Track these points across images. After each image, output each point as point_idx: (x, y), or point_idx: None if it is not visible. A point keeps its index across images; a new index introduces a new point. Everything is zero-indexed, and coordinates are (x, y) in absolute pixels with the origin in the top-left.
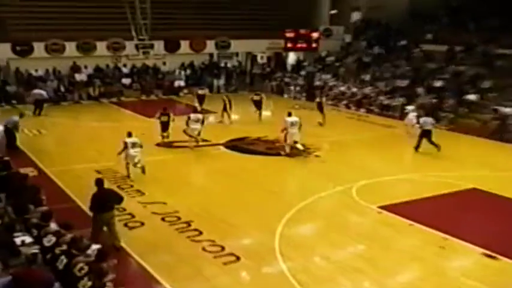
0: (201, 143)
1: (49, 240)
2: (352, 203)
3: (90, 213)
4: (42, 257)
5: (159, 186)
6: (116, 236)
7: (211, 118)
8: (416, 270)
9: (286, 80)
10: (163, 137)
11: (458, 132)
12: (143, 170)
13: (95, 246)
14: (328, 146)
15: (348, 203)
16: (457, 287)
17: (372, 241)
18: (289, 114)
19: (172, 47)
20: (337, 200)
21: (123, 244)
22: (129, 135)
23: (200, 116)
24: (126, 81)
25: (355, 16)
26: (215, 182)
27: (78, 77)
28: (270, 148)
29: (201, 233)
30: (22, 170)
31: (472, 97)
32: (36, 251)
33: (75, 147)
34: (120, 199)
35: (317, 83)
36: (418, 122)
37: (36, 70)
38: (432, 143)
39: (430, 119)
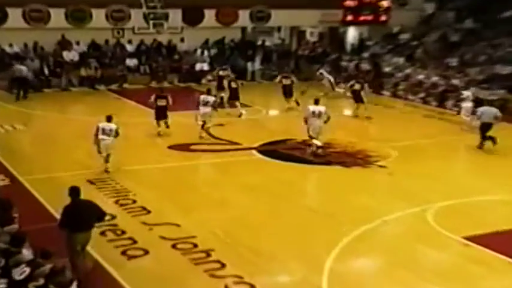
0: (228, 147)
1: (21, 272)
2: (427, 231)
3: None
4: None
5: (170, 202)
6: (89, 256)
7: (242, 113)
8: None
9: (344, 64)
10: (159, 125)
11: None
12: (107, 159)
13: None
14: (397, 152)
15: (422, 230)
16: None
17: (454, 283)
18: (316, 102)
19: (192, 18)
20: (408, 226)
21: (118, 278)
22: (108, 119)
23: (211, 98)
24: (131, 62)
25: None
26: (244, 198)
27: (68, 55)
28: (317, 155)
29: (223, 265)
30: None
31: None
32: (3, 286)
33: (61, 149)
34: (100, 215)
35: (386, 69)
36: (474, 113)
37: (11, 45)
38: (485, 138)
39: (494, 110)
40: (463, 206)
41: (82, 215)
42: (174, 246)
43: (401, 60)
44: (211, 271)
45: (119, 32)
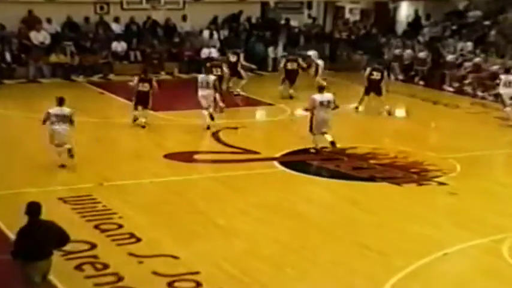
0: (242, 157)
1: None
2: (501, 268)
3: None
4: None
5: (166, 228)
6: None
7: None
8: None
9: (396, 51)
10: (135, 117)
11: None
12: (70, 154)
13: None
14: (462, 166)
15: (494, 266)
16: None
17: None
18: (321, 89)
19: None
20: (475, 260)
21: None
22: (59, 102)
23: (211, 77)
24: (118, 46)
25: None
26: (263, 223)
27: (36, 37)
28: (358, 168)
29: None
30: None
31: None
32: None
33: (27, 158)
34: (62, 239)
35: (449, 57)
36: None
37: None
38: None
39: None
40: None
41: (39, 238)
42: (170, 284)
43: (469, 45)
44: None
45: (102, 8)
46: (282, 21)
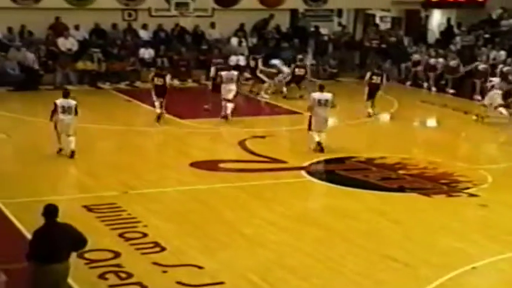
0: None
1: None
2: None
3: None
4: None
5: (190, 237)
6: None
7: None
8: None
9: (431, 61)
10: (159, 107)
11: None
12: (72, 155)
13: None
14: (493, 177)
15: None
16: None
17: None
18: (321, 88)
19: None
20: (506, 274)
21: None
22: (64, 95)
23: (235, 73)
24: (145, 53)
25: None
26: (289, 233)
27: (64, 44)
28: (387, 178)
29: None
30: None
31: None
32: None
33: (53, 166)
34: (80, 242)
35: (481, 66)
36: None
37: None
38: None
39: None
40: None
41: (55, 240)
42: None
43: (502, 54)
44: None
45: (130, 14)
46: (312, 29)
